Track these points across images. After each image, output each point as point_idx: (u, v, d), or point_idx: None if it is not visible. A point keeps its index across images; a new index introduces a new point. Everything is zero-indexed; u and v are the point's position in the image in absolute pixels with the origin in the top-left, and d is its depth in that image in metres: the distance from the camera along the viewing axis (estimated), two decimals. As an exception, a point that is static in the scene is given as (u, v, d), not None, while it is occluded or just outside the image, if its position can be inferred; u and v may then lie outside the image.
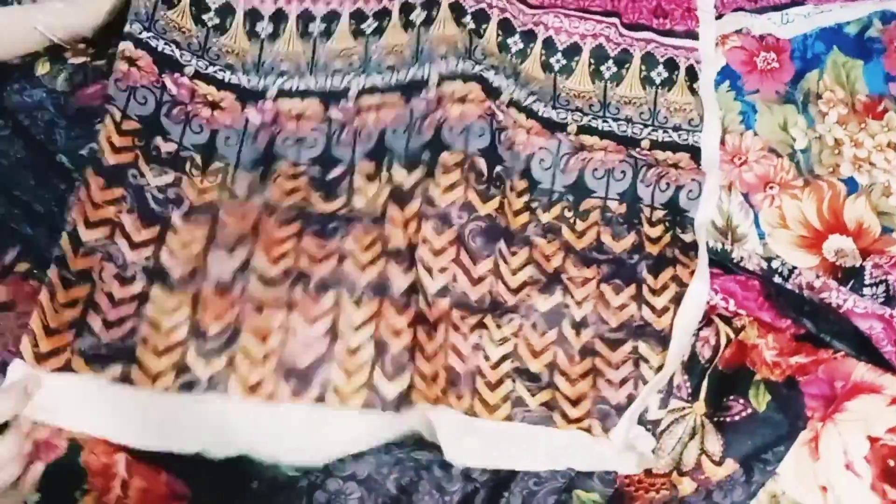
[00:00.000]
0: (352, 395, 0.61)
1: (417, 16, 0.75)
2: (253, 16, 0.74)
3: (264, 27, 0.74)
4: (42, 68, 0.71)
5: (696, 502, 0.64)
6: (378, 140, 0.70)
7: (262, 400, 0.60)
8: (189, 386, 0.59)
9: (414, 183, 0.68)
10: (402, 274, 0.65)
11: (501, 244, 0.68)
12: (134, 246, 0.62)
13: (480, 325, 0.65)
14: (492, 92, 0.73)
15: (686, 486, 0.64)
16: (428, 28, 0.74)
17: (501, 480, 0.63)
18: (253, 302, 0.62)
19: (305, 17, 0.75)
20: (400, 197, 0.67)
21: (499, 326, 0.65)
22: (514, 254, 0.69)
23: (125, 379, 0.58)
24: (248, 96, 0.71)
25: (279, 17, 0.75)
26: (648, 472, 0.64)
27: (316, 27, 0.74)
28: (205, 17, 0.74)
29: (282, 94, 0.72)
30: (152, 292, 0.61)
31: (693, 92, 0.80)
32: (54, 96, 0.70)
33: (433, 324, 0.64)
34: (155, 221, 0.64)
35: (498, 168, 0.70)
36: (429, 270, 0.65)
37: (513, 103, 0.75)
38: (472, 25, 0.75)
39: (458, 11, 0.75)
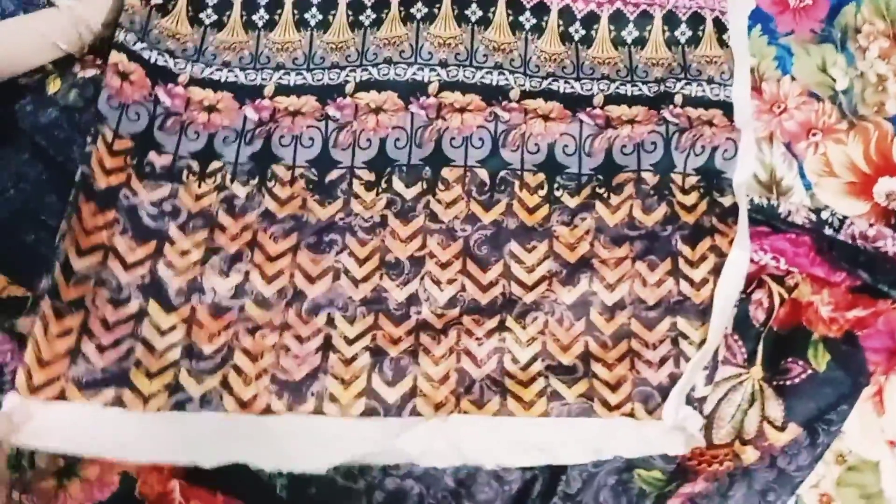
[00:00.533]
0: (351, 403, 0.60)
1: (418, 10, 0.73)
2: (249, 6, 0.73)
3: (261, 15, 0.73)
4: (53, 86, 0.69)
5: (761, 470, 0.63)
6: (378, 149, 0.69)
7: (257, 414, 0.59)
8: (181, 405, 0.59)
9: (414, 196, 0.67)
10: (397, 288, 0.64)
11: (512, 245, 0.67)
12: (128, 267, 0.62)
13: (502, 327, 0.64)
14: (496, 94, 0.71)
15: (749, 455, 0.63)
16: (428, 25, 0.73)
17: (559, 465, 0.62)
18: (248, 323, 0.62)
19: (302, 5, 0.73)
20: (402, 211, 0.67)
21: (523, 327, 0.64)
22: (530, 250, 0.67)
23: (118, 402, 0.58)
24: (245, 94, 0.70)
25: (275, 4, 0.73)
26: (710, 444, 0.63)
27: (312, 16, 0.73)
28: (202, 15, 0.72)
29: (279, 90, 0.70)
30: (149, 308, 0.61)
31: (722, 44, 0.75)
32: (68, 113, 0.69)
33: (442, 329, 0.63)
34: (150, 237, 0.64)
35: (502, 173, 0.69)
36: (437, 283, 0.65)
37: (526, 94, 0.72)
38: (477, 15, 0.73)
39: (461, 3, 0.73)
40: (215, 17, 0.72)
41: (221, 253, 0.64)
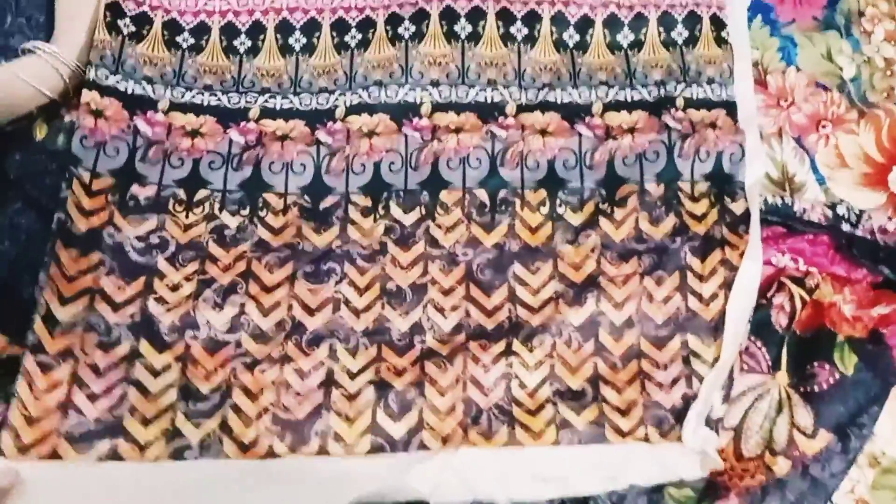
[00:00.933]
0: (356, 441, 0.59)
1: (406, 29, 0.70)
2: (230, 31, 0.70)
3: (242, 41, 0.70)
4: (40, 132, 0.67)
5: (794, 480, 0.61)
6: (374, 174, 0.67)
7: (259, 459, 0.57)
8: (180, 453, 0.57)
9: (414, 222, 0.65)
10: (400, 317, 0.63)
11: (515, 268, 0.65)
12: (117, 308, 0.60)
13: (508, 352, 0.62)
14: (491, 111, 0.69)
15: (781, 466, 0.61)
16: (417, 43, 0.70)
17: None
18: (245, 359, 0.60)
19: (284, 29, 0.70)
20: (401, 238, 0.65)
21: (530, 350, 0.62)
22: (535, 272, 0.65)
23: (113, 454, 0.56)
24: (229, 117, 0.67)
25: (256, 30, 0.70)
26: (740, 457, 0.61)
27: (296, 41, 0.70)
28: (179, 38, 0.69)
29: (265, 113, 0.68)
30: (141, 348, 0.59)
31: (720, 43, 0.73)
32: (57, 158, 0.66)
33: (448, 357, 0.62)
34: (138, 273, 0.61)
35: (502, 193, 0.67)
36: (440, 310, 0.63)
37: (522, 108, 0.69)
38: (467, 31, 0.71)
39: (449, 19, 0.71)
40: (192, 40, 0.70)
41: (214, 285, 0.62)
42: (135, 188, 0.64)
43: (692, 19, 0.74)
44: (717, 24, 0.74)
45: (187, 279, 0.62)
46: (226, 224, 0.64)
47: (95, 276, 0.60)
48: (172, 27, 0.70)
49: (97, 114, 0.65)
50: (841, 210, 0.68)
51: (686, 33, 0.73)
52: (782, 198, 0.69)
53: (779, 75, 0.74)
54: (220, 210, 0.65)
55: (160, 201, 0.64)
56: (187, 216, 0.64)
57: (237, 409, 0.59)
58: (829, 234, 0.66)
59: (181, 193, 0.64)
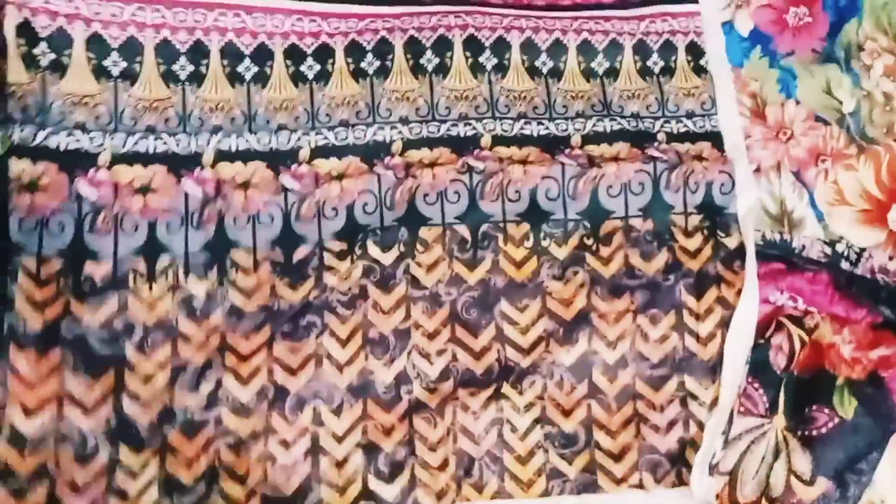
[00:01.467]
0: None
1: (370, 64, 0.65)
2: (166, 53, 0.61)
3: (182, 65, 0.61)
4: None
5: (791, 528, 0.59)
6: (347, 217, 0.62)
7: None
8: None
9: (392, 261, 0.62)
10: (384, 367, 0.60)
11: (502, 305, 0.62)
12: (88, 411, 0.54)
13: (498, 395, 0.60)
14: (466, 144, 0.65)
15: (778, 514, 0.59)
16: (383, 80, 0.65)
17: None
18: (228, 438, 0.56)
19: (231, 54, 0.62)
20: (381, 280, 0.61)
21: (520, 393, 0.60)
22: (522, 310, 0.62)
23: None
24: (180, 164, 0.59)
25: (198, 52, 0.62)
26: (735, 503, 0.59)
27: (246, 69, 0.63)
28: (107, 62, 0.60)
29: (221, 156, 0.60)
30: (120, 456, 0.54)
31: (700, 72, 0.71)
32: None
33: (436, 409, 0.59)
34: (106, 366, 0.55)
35: (484, 227, 0.63)
36: (426, 356, 0.60)
37: (498, 140, 0.66)
38: (434, 63, 0.66)
39: (414, 51, 0.66)
40: (124, 64, 0.60)
41: (190, 369, 0.57)
42: (88, 266, 0.56)
43: (668, 50, 0.71)
44: (695, 52, 0.71)
45: (160, 367, 0.56)
46: (193, 294, 0.58)
47: (60, 379, 0.54)
48: (98, 47, 0.60)
49: (32, 187, 0.56)
50: (840, 248, 0.66)
51: (662, 63, 0.71)
52: (780, 233, 0.67)
53: (778, 108, 0.73)
54: (186, 276, 0.58)
55: (118, 278, 0.57)
56: (150, 289, 0.57)
57: (225, 496, 0.55)
58: (829, 272, 0.65)
59: (140, 266, 0.57)
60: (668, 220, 0.65)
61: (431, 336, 0.61)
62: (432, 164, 0.64)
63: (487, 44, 0.68)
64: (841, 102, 0.73)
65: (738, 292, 0.63)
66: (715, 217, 0.66)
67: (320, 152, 0.62)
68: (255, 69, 0.63)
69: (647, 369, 0.61)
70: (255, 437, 0.57)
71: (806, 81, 0.73)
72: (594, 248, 0.64)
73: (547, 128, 0.67)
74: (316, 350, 0.59)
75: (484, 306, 0.62)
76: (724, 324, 0.62)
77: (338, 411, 0.58)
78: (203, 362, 0.57)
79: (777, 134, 0.72)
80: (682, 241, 0.65)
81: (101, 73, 0.60)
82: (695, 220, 0.66)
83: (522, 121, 0.67)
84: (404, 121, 0.65)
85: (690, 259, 0.64)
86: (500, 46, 0.69)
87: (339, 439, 0.58)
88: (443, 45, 0.67)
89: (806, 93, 0.73)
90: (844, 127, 0.72)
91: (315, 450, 0.57)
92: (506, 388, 0.60)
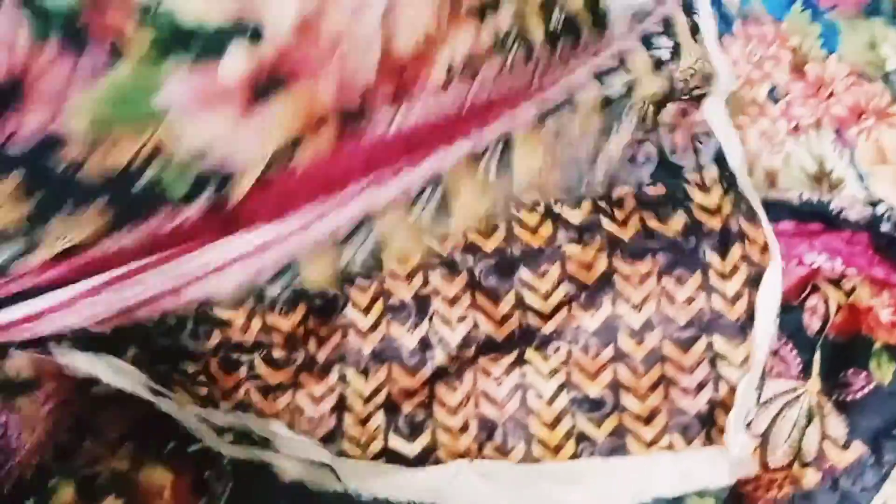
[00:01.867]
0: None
1: None
2: None
3: None
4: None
5: (823, 493, 0.58)
6: None
7: None
8: None
9: None
10: (408, 333, 0.59)
11: (522, 272, 0.60)
12: None
13: (521, 361, 0.58)
14: None
15: (810, 479, 0.57)
16: None
17: None
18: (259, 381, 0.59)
19: None
20: None
21: (545, 358, 0.58)
22: (542, 275, 0.60)
23: None
24: None
25: None
26: (766, 468, 0.58)
27: None
28: None
29: None
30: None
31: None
32: None
33: (457, 374, 0.58)
34: None
35: None
36: (447, 323, 0.59)
37: None
38: None
39: None
40: None
41: None
42: None
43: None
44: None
45: None
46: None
47: None
48: None
49: None
50: (881, 209, 0.64)
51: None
52: (819, 194, 0.65)
53: (818, 63, 0.70)
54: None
55: None
56: None
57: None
58: (869, 233, 0.63)
59: None
60: (682, 178, 0.62)
61: (452, 302, 0.60)
62: None
63: None
64: (885, 58, 0.70)
65: (763, 248, 0.60)
66: (725, 171, 0.62)
67: None
68: None
69: (675, 331, 0.59)
70: (282, 389, 0.58)
71: (849, 36, 0.71)
72: (609, 210, 0.61)
73: None
74: (341, 323, 0.60)
75: (503, 273, 0.60)
76: (751, 282, 0.59)
77: (364, 373, 0.59)
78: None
79: (817, 91, 0.69)
80: (700, 198, 0.62)
81: None
82: (711, 173, 0.62)
83: None
84: None
85: (710, 217, 0.61)
86: None
87: (366, 400, 0.58)
88: None
89: (848, 48, 0.70)
90: (888, 84, 0.69)
91: (341, 406, 0.58)
92: (529, 354, 0.58)
